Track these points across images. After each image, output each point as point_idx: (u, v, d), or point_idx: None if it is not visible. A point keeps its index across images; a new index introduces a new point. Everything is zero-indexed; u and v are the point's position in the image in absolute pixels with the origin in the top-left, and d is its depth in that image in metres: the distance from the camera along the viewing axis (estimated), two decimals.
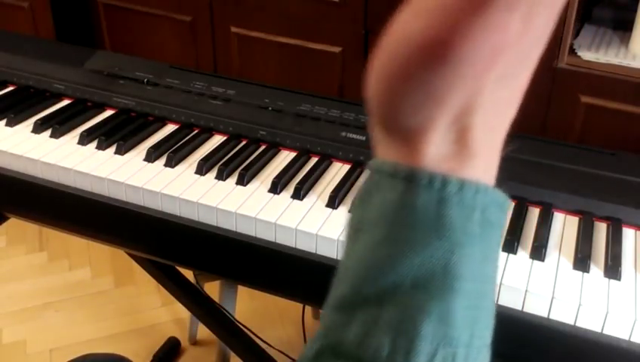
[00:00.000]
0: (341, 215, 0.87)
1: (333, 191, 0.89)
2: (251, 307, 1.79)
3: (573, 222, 0.87)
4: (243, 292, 1.53)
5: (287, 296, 0.93)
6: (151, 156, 0.97)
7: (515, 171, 0.92)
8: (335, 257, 0.83)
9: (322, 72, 1.68)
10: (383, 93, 0.32)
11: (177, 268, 1.32)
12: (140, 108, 1.09)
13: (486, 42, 0.29)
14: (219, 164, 0.95)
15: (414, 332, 0.31)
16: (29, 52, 1.21)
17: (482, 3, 0.28)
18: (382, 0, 1.52)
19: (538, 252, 0.80)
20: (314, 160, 0.98)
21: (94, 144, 1.00)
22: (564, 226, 0.87)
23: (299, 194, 0.89)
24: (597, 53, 1.37)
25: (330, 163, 0.98)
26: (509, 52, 0.30)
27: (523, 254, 0.81)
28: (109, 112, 1.10)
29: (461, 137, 0.32)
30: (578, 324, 0.74)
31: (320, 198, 0.90)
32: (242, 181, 0.92)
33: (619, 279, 0.77)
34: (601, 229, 0.86)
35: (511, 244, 0.81)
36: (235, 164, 0.95)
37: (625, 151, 0.96)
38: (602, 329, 0.73)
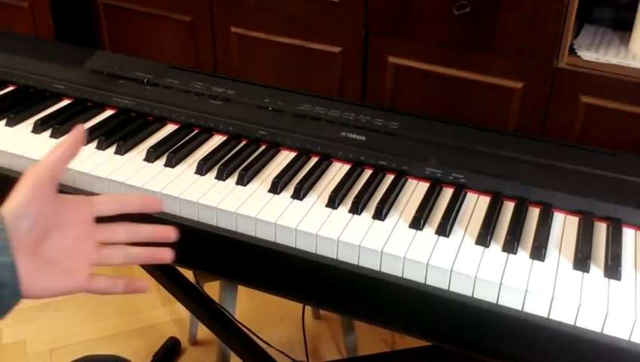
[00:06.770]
0: (341, 215, 0.87)
1: (333, 191, 0.89)
2: (251, 307, 1.79)
3: (573, 222, 0.87)
4: (243, 292, 1.53)
5: (287, 296, 0.93)
6: (151, 156, 0.97)
7: (515, 171, 0.92)
8: (335, 257, 0.83)
9: (322, 72, 1.68)
10: None
11: (177, 268, 1.32)
12: (140, 108, 1.09)
13: None
14: (219, 164, 0.95)
15: None
16: (29, 52, 1.21)
17: None
18: (382, 0, 1.52)
19: (538, 252, 0.80)
20: (314, 160, 0.98)
21: (94, 144, 1.00)
22: (564, 226, 0.87)
23: (299, 194, 0.89)
24: (597, 53, 1.37)
25: (330, 163, 0.98)
26: None
27: (523, 254, 0.81)
28: (108, 112, 1.10)
29: None
30: (578, 324, 0.74)
31: (320, 198, 0.90)
32: (242, 181, 0.92)
33: (619, 279, 0.77)
34: (601, 229, 0.86)
35: (511, 244, 0.81)
36: (235, 164, 0.95)
37: (625, 151, 0.96)
38: (602, 329, 0.73)
